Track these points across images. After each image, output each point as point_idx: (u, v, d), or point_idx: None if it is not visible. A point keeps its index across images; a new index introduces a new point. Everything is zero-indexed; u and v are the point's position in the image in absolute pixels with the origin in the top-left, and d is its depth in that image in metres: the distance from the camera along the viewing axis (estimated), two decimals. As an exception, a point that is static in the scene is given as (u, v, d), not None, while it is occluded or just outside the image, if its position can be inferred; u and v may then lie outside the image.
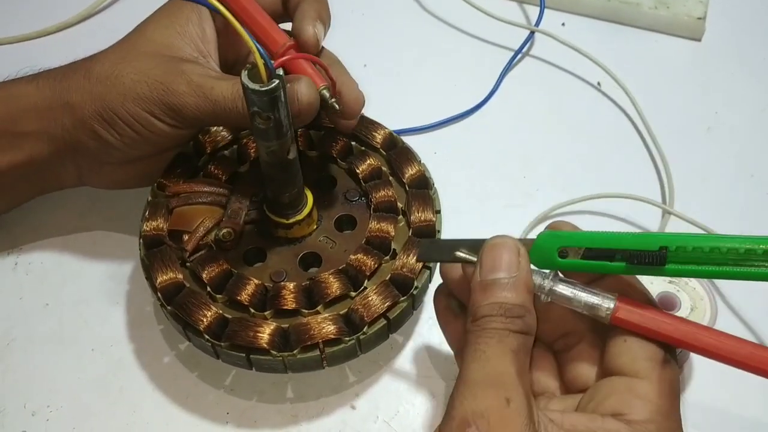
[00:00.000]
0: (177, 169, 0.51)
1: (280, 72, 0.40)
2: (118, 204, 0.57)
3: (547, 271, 0.39)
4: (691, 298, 0.49)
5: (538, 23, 0.70)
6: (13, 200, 0.54)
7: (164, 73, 0.46)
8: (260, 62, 0.39)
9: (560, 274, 0.39)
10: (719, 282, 0.54)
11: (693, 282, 0.49)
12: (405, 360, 0.52)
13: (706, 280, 0.49)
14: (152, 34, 0.48)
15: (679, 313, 0.48)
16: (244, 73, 0.40)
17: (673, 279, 0.49)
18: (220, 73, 0.49)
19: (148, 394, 0.50)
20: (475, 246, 0.39)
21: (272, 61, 0.40)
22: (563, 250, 0.38)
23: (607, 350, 0.37)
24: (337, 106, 0.47)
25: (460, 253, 0.40)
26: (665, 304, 0.48)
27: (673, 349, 0.37)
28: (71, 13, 0.71)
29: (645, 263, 0.35)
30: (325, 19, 0.50)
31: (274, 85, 0.40)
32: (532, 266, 0.38)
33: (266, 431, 0.49)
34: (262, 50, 0.39)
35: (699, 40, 0.71)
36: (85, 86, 0.47)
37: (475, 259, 0.39)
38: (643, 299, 0.38)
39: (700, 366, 0.51)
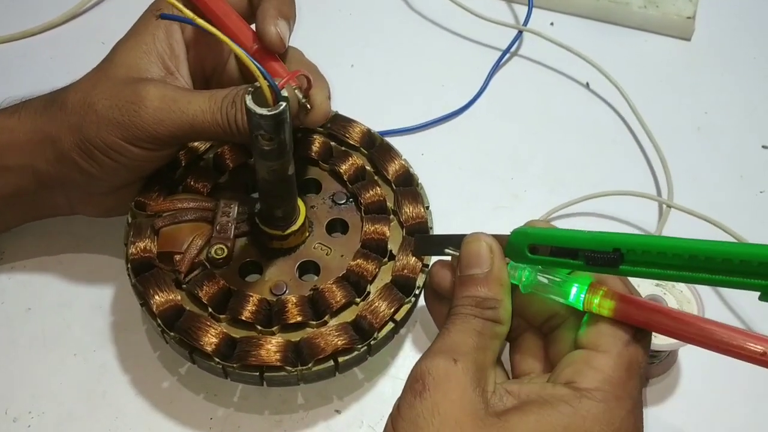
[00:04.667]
0: (154, 186, 0.50)
1: (285, 93, 0.39)
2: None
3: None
4: (678, 300, 0.48)
5: (526, 22, 0.70)
6: (2, 226, 0.53)
7: (133, 93, 0.45)
8: (265, 86, 0.38)
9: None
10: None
11: (680, 285, 0.48)
12: (390, 364, 0.51)
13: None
14: (119, 57, 0.48)
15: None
16: (248, 98, 0.38)
17: (660, 282, 0.48)
18: (191, 88, 0.49)
19: (130, 400, 0.49)
20: (460, 242, 0.43)
21: (277, 83, 0.38)
22: (533, 247, 0.39)
23: (579, 330, 0.39)
24: (308, 105, 0.47)
25: (448, 250, 0.44)
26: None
27: (646, 334, 0.38)
28: (56, 13, 0.70)
29: (600, 264, 0.36)
30: (288, 15, 0.48)
31: (281, 108, 0.38)
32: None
33: (250, 437, 0.48)
34: (266, 73, 0.38)
35: (688, 39, 0.71)
36: (62, 118, 0.47)
37: (458, 254, 0.42)
38: (621, 288, 0.39)
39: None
